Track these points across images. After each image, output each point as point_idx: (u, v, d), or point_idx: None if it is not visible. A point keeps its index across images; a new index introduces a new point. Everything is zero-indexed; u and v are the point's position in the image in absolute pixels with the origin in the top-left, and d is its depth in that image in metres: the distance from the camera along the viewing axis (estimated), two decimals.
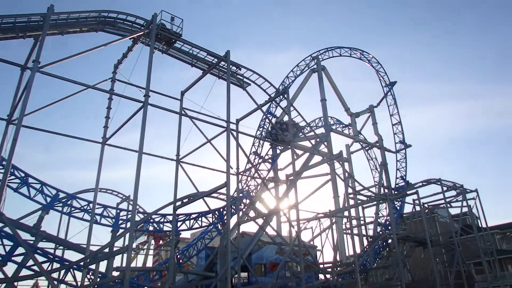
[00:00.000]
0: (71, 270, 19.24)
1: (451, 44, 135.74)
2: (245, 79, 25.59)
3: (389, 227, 36.16)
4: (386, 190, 40.39)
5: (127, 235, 20.15)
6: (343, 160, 28.93)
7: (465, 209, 38.72)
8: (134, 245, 35.65)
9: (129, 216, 25.52)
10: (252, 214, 26.20)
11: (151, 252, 39.31)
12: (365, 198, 34.79)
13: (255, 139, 35.75)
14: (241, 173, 27.89)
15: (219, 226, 27.38)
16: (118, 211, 26.65)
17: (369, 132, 44.92)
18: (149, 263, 38.48)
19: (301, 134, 29.91)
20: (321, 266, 30.88)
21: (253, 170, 32.60)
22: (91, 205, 23.67)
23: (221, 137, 20.74)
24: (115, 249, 21.36)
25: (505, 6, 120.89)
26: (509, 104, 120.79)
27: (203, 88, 24.73)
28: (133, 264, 37.00)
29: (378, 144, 43.36)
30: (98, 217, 24.91)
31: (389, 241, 34.54)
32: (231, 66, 23.23)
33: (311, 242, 33.49)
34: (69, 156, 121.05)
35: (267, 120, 36.85)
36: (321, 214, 31.54)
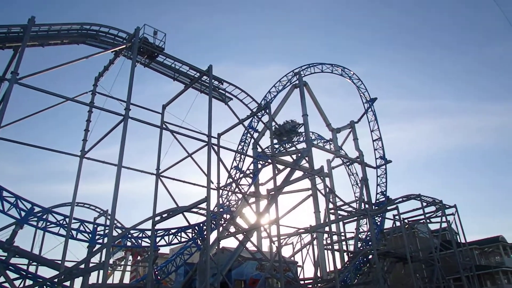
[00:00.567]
0: (45, 287, 18.65)
1: (430, 61, 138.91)
2: (227, 94, 25.60)
3: (370, 243, 36.23)
4: (366, 206, 40.56)
5: (104, 251, 19.72)
6: (324, 175, 29.06)
7: (444, 225, 39.20)
8: (111, 261, 34.88)
9: (107, 231, 24.96)
10: (232, 229, 26.00)
11: (128, 268, 38.50)
12: (345, 214, 34.85)
13: (237, 153, 35.66)
14: (222, 187, 27.68)
15: (199, 242, 26.99)
16: (95, 226, 26.02)
17: (350, 147, 45.29)
18: (126, 280, 37.65)
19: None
20: (302, 282, 30.70)
21: (234, 184, 32.40)
22: (67, 219, 23.06)
23: (202, 151, 20.61)
24: (91, 265, 20.84)
25: (481, 24, 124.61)
26: (485, 121, 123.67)
27: (185, 102, 24.62)
28: (109, 281, 36.19)
29: (359, 159, 43.68)
30: (74, 232, 24.23)
31: (370, 256, 34.58)
32: (213, 80, 23.20)
33: (292, 258, 33.33)
34: (46, 169, 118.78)
35: (248, 135, 36.84)
36: (302, 229, 31.45)
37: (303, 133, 35.50)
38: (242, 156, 35.92)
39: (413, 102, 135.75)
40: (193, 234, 27.80)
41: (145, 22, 41.08)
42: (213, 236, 24.73)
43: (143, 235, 27.69)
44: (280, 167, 27.89)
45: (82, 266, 19.39)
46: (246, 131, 36.51)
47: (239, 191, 28.53)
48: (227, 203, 32.68)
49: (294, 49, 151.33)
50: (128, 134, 16.97)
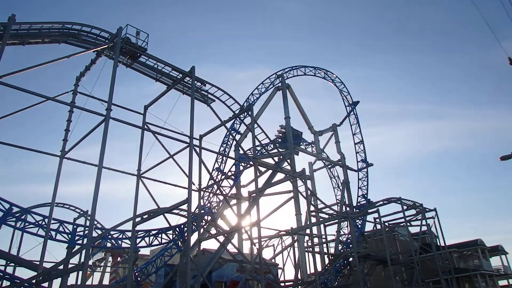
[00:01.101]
0: None
1: (412, 66, 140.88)
2: (209, 95, 25.57)
3: (351, 245, 36.56)
4: (347, 208, 40.96)
5: (83, 252, 19.56)
6: (305, 177, 29.26)
7: (424, 228, 39.74)
8: (90, 262, 34.57)
9: (87, 232, 24.73)
10: (213, 231, 26.00)
11: (108, 269, 38.17)
12: (327, 216, 35.13)
13: (219, 155, 35.66)
14: (203, 189, 27.69)
15: (180, 243, 26.93)
16: (75, 226, 25.76)
17: (332, 150, 45.76)
18: (106, 281, 37.33)
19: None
20: (282, 284, 30.80)
21: (215, 186, 32.41)
22: (46, 220, 22.78)
23: (184, 152, 20.63)
24: (70, 266, 20.62)
25: (464, 28, 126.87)
26: (461, 126, 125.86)
27: (167, 103, 24.60)
28: (89, 282, 35.83)
29: (340, 162, 44.11)
30: (53, 233, 23.96)
31: (350, 259, 34.88)
32: (196, 82, 23.21)
33: (273, 260, 33.41)
34: (25, 169, 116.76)
35: (230, 137, 36.89)
36: (283, 231, 31.58)
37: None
38: (224, 158, 35.94)
39: (395, 106, 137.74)
40: (174, 236, 27.72)
41: (128, 22, 40.99)
42: (194, 237, 24.74)
43: (124, 236, 27.53)
44: (262, 169, 28.06)
45: (61, 267, 19.19)
46: (228, 133, 36.55)
47: (220, 193, 28.57)
48: (209, 204, 32.64)
49: (278, 51, 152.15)
50: (110, 135, 16.97)
